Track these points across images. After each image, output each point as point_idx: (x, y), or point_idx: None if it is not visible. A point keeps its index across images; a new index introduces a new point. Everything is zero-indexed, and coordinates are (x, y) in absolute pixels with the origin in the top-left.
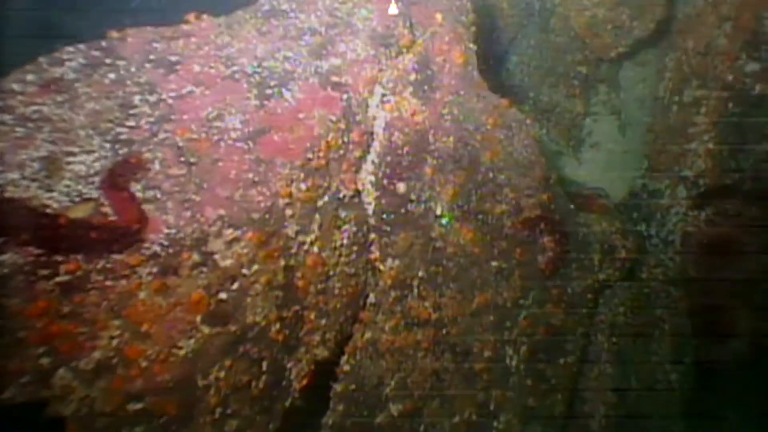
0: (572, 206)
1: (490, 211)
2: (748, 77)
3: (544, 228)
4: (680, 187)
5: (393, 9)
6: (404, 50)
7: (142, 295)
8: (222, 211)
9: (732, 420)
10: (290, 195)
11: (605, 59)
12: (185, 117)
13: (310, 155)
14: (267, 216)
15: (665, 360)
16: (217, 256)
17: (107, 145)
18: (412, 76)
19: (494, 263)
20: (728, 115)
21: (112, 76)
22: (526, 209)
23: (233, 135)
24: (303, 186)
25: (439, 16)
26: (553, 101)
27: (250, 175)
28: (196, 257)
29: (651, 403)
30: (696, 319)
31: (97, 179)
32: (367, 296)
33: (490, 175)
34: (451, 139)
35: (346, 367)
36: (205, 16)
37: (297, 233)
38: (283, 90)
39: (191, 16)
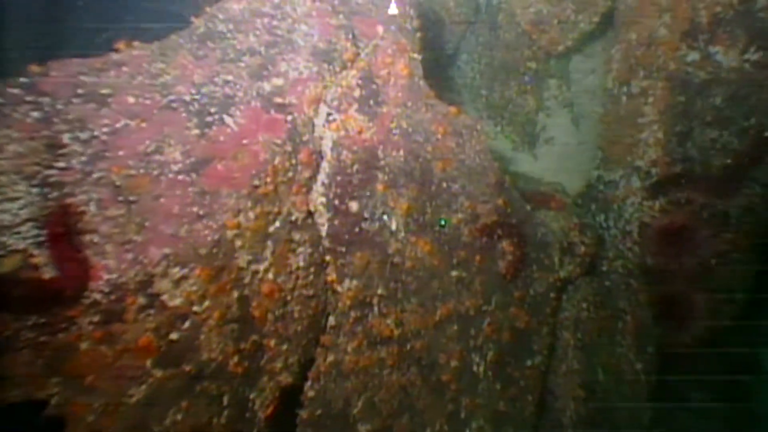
0: (529, 207)
1: (447, 222)
2: (689, 66)
3: (501, 233)
4: (634, 178)
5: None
6: (349, 64)
7: (83, 346)
8: (167, 250)
9: (696, 400)
10: (238, 225)
11: (553, 54)
12: (121, 153)
13: (256, 182)
14: (215, 250)
15: (630, 351)
16: (164, 297)
17: (34, 190)
18: (357, 93)
19: (454, 273)
20: (674, 104)
21: (35, 114)
22: (483, 216)
23: (174, 168)
24: (251, 214)
25: (380, 29)
26: (505, 98)
27: (195, 209)
28: (141, 300)
29: (619, 394)
30: (656, 308)
31: (24, 228)
32: (327, 318)
33: (444, 185)
34: (401, 152)
35: (311, 393)
36: (136, 44)
37: (249, 263)
38: (225, 116)
39: (121, 45)
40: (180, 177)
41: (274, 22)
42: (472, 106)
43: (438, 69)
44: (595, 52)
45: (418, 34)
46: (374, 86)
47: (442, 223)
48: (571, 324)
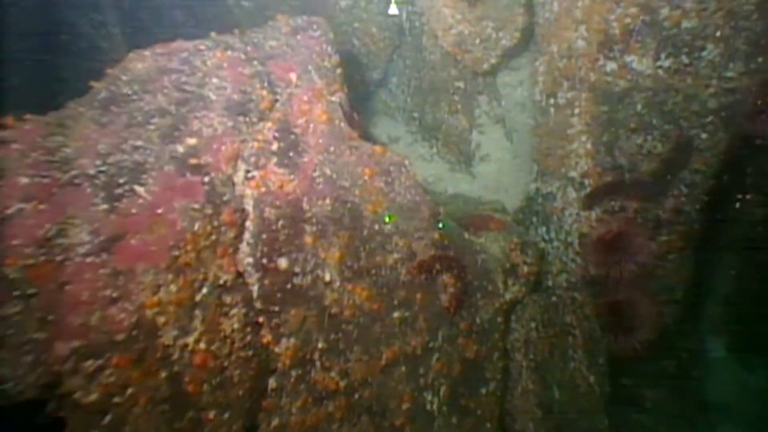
0: (467, 234)
1: (383, 264)
2: (609, 76)
3: (440, 267)
4: (569, 189)
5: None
6: (266, 113)
7: None
8: (76, 342)
9: (651, 399)
10: (159, 302)
11: (480, 72)
12: (15, 242)
13: (176, 252)
14: (134, 333)
15: (582, 364)
16: (77, 395)
17: None
18: (275, 146)
19: (396, 314)
20: (599, 114)
21: None
22: (419, 252)
23: (81, 250)
24: (173, 287)
25: (293, 76)
26: (437, 119)
27: (108, 292)
28: (48, 406)
29: (575, 408)
30: (603, 318)
31: None
32: (268, 380)
33: (376, 227)
34: (328, 200)
35: None
36: (28, 116)
37: (176, 338)
38: (136, 186)
39: (9, 120)
40: (89, 259)
41: (183, 78)
42: (406, 129)
43: (368, 94)
44: (521, 65)
45: (339, 70)
46: (292, 137)
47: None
48: (522, 345)
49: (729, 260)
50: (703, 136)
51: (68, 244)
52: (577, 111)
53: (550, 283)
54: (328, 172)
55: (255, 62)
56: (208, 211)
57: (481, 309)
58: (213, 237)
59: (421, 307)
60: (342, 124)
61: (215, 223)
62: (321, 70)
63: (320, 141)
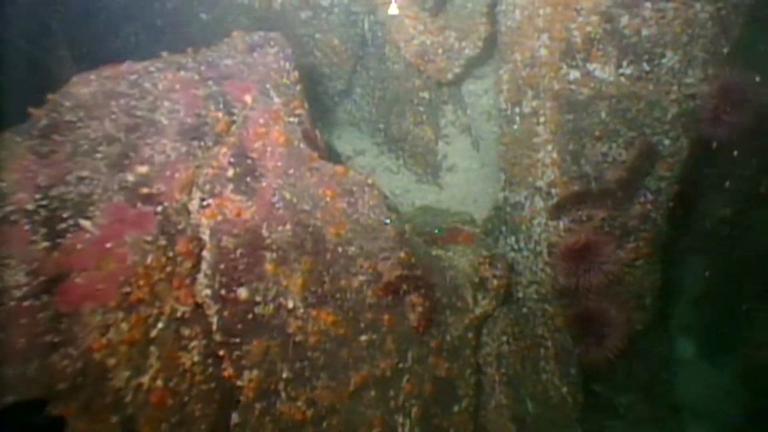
0: (434, 250)
1: (348, 287)
2: (572, 84)
3: (407, 286)
4: (537, 198)
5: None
6: (223, 136)
7: None
8: (11, 398)
9: (623, 405)
10: (108, 343)
11: (444, 82)
12: None
13: (127, 289)
14: (80, 379)
15: (554, 375)
16: None
17: None
18: (230, 172)
19: (363, 337)
20: (563, 123)
21: None
22: (385, 273)
23: (17, 294)
24: (124, 326)
25: (248, 98)
26: (403, 130)
27: (48, 338)
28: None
29: (549, 420)
30: (573, 328)
31: None
32: (231, 415)
33: (340, 249)
34: (288, 226)
35: None
36: None
37: (129, 378)
38: (81, 220)
39: None
40: (26, 303)
41: (133, 102)
42: (372, 141)
43: (333, 105)
44: (486, 73)
45: (298, 87)
46: (249, 161)
47: (436, 231)
48: (494, 359)
49: (696, 260)
50: (666, 142)
51: (1, 288)
52: (542, 120)
53: (520, 294)
54: (287, 196)
55: (210, 82)
56: (162, 242)
57: (451, 326)
58: (168, 269)
59: (389, 328)
60: (301, 146)
61: (170, 255)
62: (279, 87)
63: (278, 164)
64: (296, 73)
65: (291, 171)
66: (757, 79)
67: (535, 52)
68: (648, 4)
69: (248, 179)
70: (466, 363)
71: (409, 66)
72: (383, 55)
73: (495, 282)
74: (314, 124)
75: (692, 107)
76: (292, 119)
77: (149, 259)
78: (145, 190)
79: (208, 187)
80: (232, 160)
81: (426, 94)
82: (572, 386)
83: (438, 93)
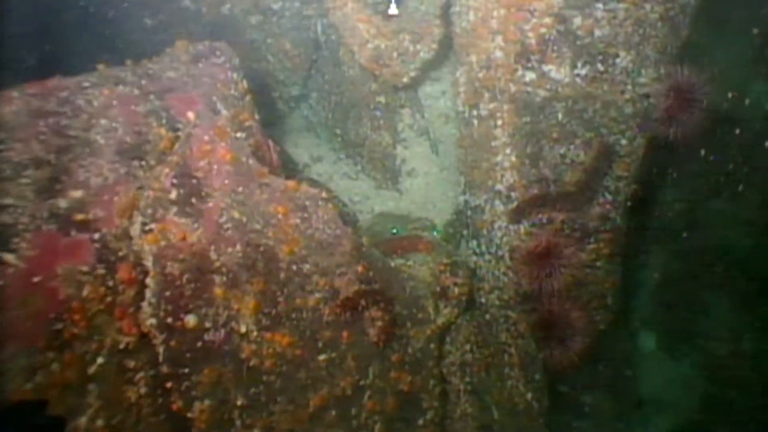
0: (393, 262)
1: (303, 306)
2: (528, 86)
3: (366, 301)
4: (497, 202)
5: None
6: (166, 154)
7: None
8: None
9: (588, 404)
10: (36, 388)
11: (400, 86)
12: None
13: (58, 326)
14: None
15: (519, 382)
16: None
17: None
18: (173, 194)
19: (322, 357)
20: (521, 125)
21: None
22: (343, 289)
23: None
24: (55, 367)
25: (191, 115)
26: (360, 135)
27: None
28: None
29: (515, 426)
30: (537, 333)
31: None
32: None
33: (294, 268)
34: (238, 247)
35: None
36: None
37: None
38: (3, 253)
39: None
40: None
41: (65, 121)
42: (329, 147)
43: (289, 110)
44: (443, 75)
45: (247, 98)
46: (194, 181)
47: (394, 231)
48: (458, 369)
49: (654, 253)
50: (623, 142)
51: None
52: (499, 122)
53: (483, 300)
54: (236, 215)
55: (151, 97)
56: (101, 271)
57: (413, 338)
58: (108, 299)
59: (349, 345)
60: (250, 162)
61: (110, 284)
62: (227, 99)
63: (226, 182)
64: (244, 84)
65: (239, 189)
66: (706, 76)
67: (491, 54)
68: (599, 5)
69: (193, 200)
70: (429, 374)
71: (364, 70)
72: (338, 59)
73: (456, 290)
74: (265, 135)
75: (647, 106)
76: (239, 134)
77: (86, 291)
78: (79, 217)
79: (150, 211)
80: (175, 181)
81: (383, 99)
82: (537, 392)
83: (395, 97)
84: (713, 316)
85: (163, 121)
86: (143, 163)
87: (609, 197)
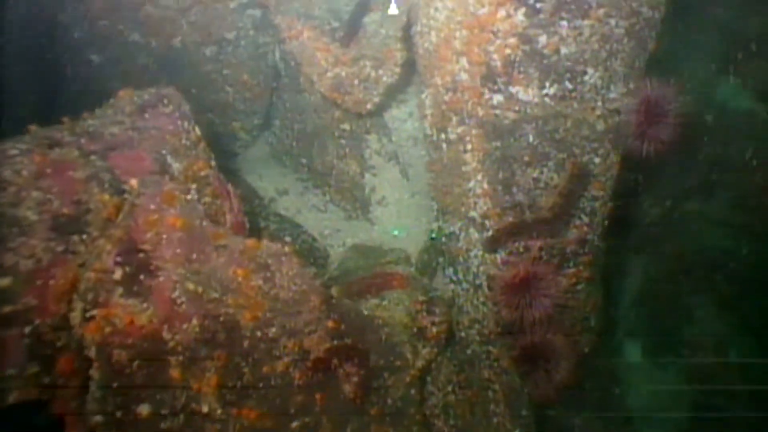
0: (365, 311)
1: (272, 373)
2: (496, 109)
3: (339, 359)
4: (471, 229)
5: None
6: (111, 222)
7: None
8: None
9: (578, 426)
10: None
11: (364, 113)
12: None
13: None
14: None
15: (505, 419)
16: None
17: None
18: (118, 274)
19: (295, 424)
20: (491, 150)
21: None
22: (313, 349)
23: None
24: None
25: (134, 182)
26: (327, 164)
27: None
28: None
29: None
30: (521, 365)
31: None
32: None
33: (258, 334)
34: (195, 321)
35: None
36: None
37: None
38: None
39: None
40: None
41: None
42: (295, 177)
43: (253, 139)
44: (408, 95)
45: (201, 145)
46: (141, 256)
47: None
48: (441, 411)
49: (634, 260)
50: (597, 160)
51: None
52: (469, 147)
53: (463, 334)
54: (191, 287)
55: (92, 158)
56: (33, 369)
57: (392, 388)
58: (44, 398)
59: (323, 407)
60: (204, 223)
61: (45, 381)
62: (178, 151)
63: (178, 251)
64: (197, 131)
65: (193, 256)
66: (675, 87)
67: (456, 76)
68: (564, 23)
69: (141, 277)
70: (412, 422)
71: (326, 98)
72: (299, 86)
73: (434, 330)
74: (224, 181)
75: (618, 122)
76: (192, 192)
77: (12, 397)
78: (7, 309)
79: (90, 295)
80: (119, 259)
81: (347, 126)
82: (524, 428)
83: (359, 123)
84: (696, 321)
85: (106, 185)
86: (84, 236)
87: (586, 219)
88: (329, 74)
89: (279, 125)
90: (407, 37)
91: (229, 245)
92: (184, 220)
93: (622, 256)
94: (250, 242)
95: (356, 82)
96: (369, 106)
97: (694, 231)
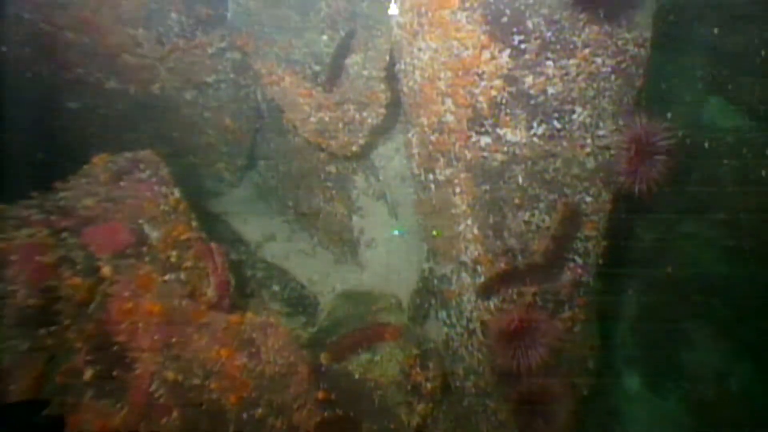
0: (356, 375)
1: None
2: (484, 151)
3: (331, 430)
4: (463, 274)
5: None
6: (84, 309)
7: None
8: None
9: None
10: None
11: (349, 156)
12: None
13: None
14: None
15: None
16: None
17: None
18: (88, 374)
19: None
20: (480, 194)
21: None
22: (303, 424)
23: None
24: None
25: (107, 270)
26: (313, 207)
27: None
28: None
29: None
30: (518, 417)
31: None
32: None
33: (244, 416)
34: (175, 413)
35: None
36: None
37: None
38: None
39: None
40: None
41: None
42: (282, 220)
43: (238, 180)
44: (395, 132)
45: (182, 206)
46: (115, 348)
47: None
48: None
49: (630, 287)
50: (588, 200)
51: None
52: (458, 190)
53: (458, 383)
54: (171, 376)
55: (64, 235)
56: None
57: None
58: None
59: None
60: (183, 303)
61: None
62: (157, 219)
63: (155, 338)
64: (176, 193)
65: (173, 340)
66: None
67: (442, 117)
68: (550, 63)
69: (115, 372)
70: None
71: (310, 142)
72: (282, 127)
73: (429, 385)
74: (206, 241)
75: (608, 159)
76: (167, 276)
77: None
78: None
79: (57, 401)
80: (89, 357)
81: (333, 168)
82: None
83: (345, 165)
84: (695, 347)
85: (78, 267)
86: (52, 328)
87: (579, 260)
88: (312, 119)
89: (264, 165)
90: (391, 77)
91: (211, 323)
92: (162, 305)
93: (616, 287)
94: (234, 318)
95: (340, 125)
96: (355, 149)
97: (691, 254)
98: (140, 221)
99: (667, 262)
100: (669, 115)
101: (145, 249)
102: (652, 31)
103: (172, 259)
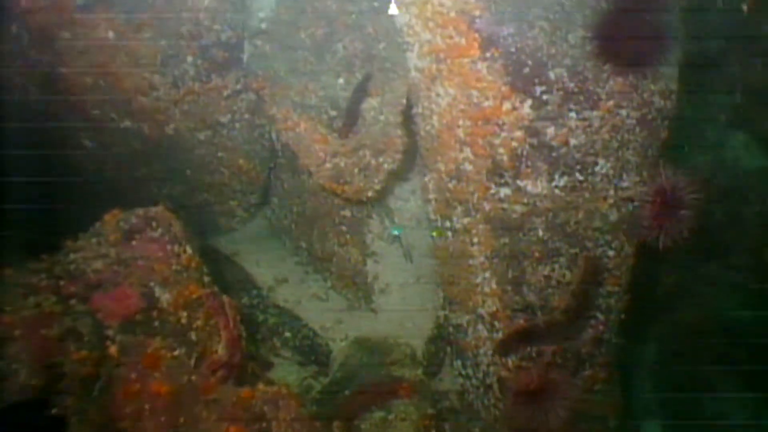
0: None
1: None
2: (504, 202)
3: None
4: (480, 326)
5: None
6: (90, 383)
7: None
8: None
9: None
10: None
11: (364, 201)
12: None
13: None
14: None
15: None
16: None
17: None
18: None
19: None
20: (499, 247)
21: None
22: None
23: None
24: None
25: (113, 349)
26: (327, 251)
27: None
28: None
29: None
30: None
31: None
32: None
33: None
34: None
35: None
36: None
37: None
38: None
39: None
40: None
41: None
42: (295, 261)
43: (251, 218)
44: (411, 174)
45: (194, 264)
46: None
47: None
48: None
49: (650, 332)
50: (611, 253)
51: None
52: (475, 240)
53: None
54: None
55: (72, 303)
56: None
57: None
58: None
59: None
60: (193, 378)
61: None
62: (168, 280)
63: (162, 420)
64: (188, 250)
65: (181, 420)
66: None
67: (460, 165)
68: (572, 114)
69: None
70: None
71: (324, 188)
72: (296, 168)
73: None
74: (219, 296)
75: (631, 211)
76: (176, 353)
77: None
78: None
79: None
80: None
81: (347, 212)
82: None
83: (360, 209)
84: (718, 396)
85: (86, 338)
86: (54, 410)
87: (601, 317)
88: (327, 165)
89: (277, 204)
90: (408, 122)
91: (220, 399)
92: (170, 385)
93: (637, 335)
94: (244, 392)
95: (356, 171)
96: (370, 194)
97: (713, 298)
98: (151, 284)
99: (688, 306)
100: (692, 157)
101: (155, 314)
102: (678, 83)
103: (183, 320)
